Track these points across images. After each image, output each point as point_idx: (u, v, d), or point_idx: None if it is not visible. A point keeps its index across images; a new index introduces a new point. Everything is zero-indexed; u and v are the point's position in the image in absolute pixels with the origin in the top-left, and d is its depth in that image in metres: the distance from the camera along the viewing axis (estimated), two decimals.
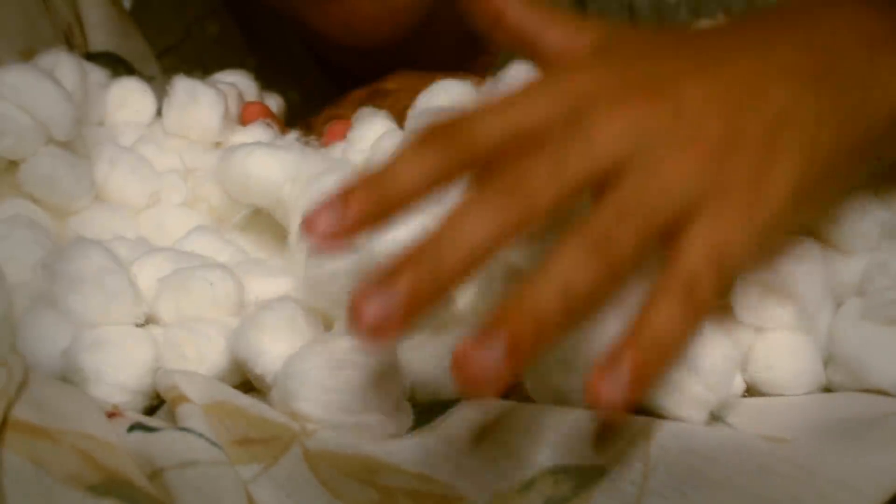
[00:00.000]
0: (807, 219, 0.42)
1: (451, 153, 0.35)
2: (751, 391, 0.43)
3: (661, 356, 0.35)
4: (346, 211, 0.33)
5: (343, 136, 0.58)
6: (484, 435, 0.38)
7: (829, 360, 0.43)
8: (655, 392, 0.38)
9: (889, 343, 0.42)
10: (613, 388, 0.33)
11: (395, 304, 0.32)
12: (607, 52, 0.41)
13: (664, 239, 0.36)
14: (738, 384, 0.42)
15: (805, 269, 0.42)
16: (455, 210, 0.34)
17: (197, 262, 0.49)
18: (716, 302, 0.38)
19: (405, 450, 0.38)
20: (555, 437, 0.37)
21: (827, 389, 0.43)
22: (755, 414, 0.41)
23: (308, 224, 0.33)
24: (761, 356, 0.43)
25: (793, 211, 0.38)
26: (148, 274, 0.47)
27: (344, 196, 0.33)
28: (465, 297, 0.48)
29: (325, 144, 0.62)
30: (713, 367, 0.38)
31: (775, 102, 0.38)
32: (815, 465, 0.34)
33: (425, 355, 0.41)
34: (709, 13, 0.69)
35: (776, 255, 0.41)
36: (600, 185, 0.35)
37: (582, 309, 0.34)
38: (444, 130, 0.35)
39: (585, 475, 0.36)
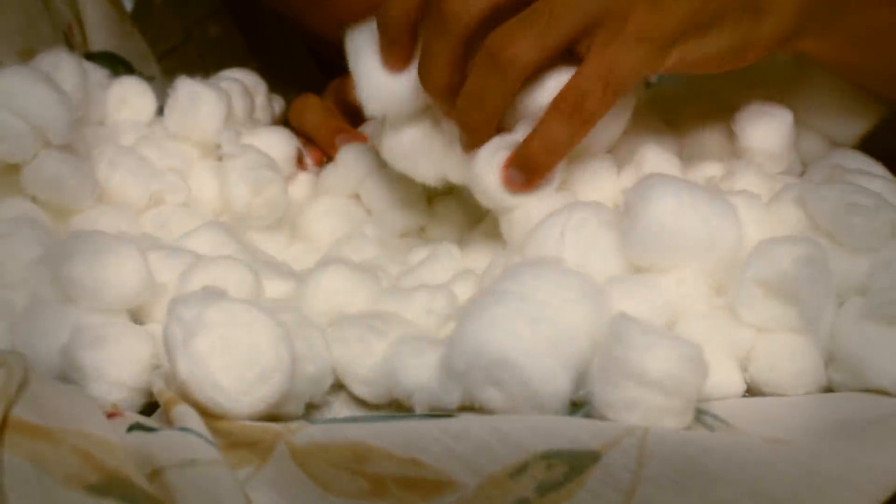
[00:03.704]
0: (708, 44, 0.49)
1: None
2: (752, 391, 0.43)
3: (551, 154, 0.49)
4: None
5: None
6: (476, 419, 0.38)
7: (830, 359, 0.43)
8: (621, 415, 0.38)
9: (890, 343, 0.42)
10: (514, 176, 0.49)
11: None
12: None
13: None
14: (739, 384, 0.43)
15: (808, 272, 0.42)
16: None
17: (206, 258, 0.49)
18: (604, 112, 0.48)
19: (395, 433, 0.37)
20: (548, 421, 0.37)
21: (828, 389, 0.43)
22: (756, 414, 0.40)
23: None
24: (762, 357, 0.43)
25: (683, 34, 0.47)
26: (157, 269, 0.47)
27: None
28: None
29: (333, 154, 0.64)
30: (667, 372, 0.37)
31: None
32: (814, 462, 0.34)
33: (425, 362, 0.41)
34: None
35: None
36: None
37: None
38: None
39: (579, 460, 0.36)
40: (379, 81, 0.52)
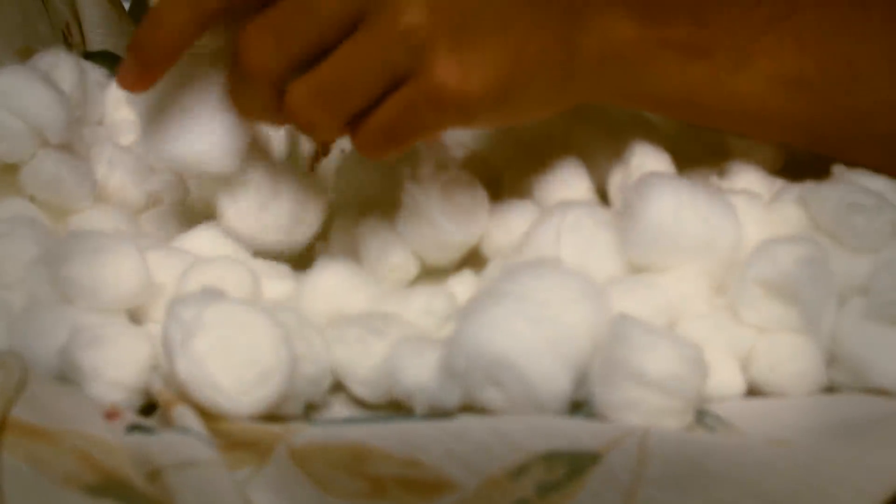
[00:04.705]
0: (504, 113, 0.47)
1: None
2: (753, 391, 0.43)
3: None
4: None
5: None
6: (476, 420, 0.38)
7: (831, 360, 0.43)
8: (622, 416, 0.38)
9: (891, 343, 0.42)
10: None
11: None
12: None
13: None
14: (740, 385, 0.42)
15: (809, 272, 0.42)
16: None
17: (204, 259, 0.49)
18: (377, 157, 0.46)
19: (394, 434, 0.37)
20: (549, 422, 0.37)
21: (829, 389, 0.43)
22: (756, 414, 0.40)
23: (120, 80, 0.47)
24: (763, 357, 0.43)
25: (491, 98, 0.45)
26: (156, 269, 0.47)
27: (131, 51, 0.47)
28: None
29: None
30: (668, 373, 0.37)
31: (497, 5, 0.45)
32: (815, 462, 0.34)
33: (425, 363, 0.41)
34: None
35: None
36: None
37: None
38: None
39: (579, 460, 0.35)
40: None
